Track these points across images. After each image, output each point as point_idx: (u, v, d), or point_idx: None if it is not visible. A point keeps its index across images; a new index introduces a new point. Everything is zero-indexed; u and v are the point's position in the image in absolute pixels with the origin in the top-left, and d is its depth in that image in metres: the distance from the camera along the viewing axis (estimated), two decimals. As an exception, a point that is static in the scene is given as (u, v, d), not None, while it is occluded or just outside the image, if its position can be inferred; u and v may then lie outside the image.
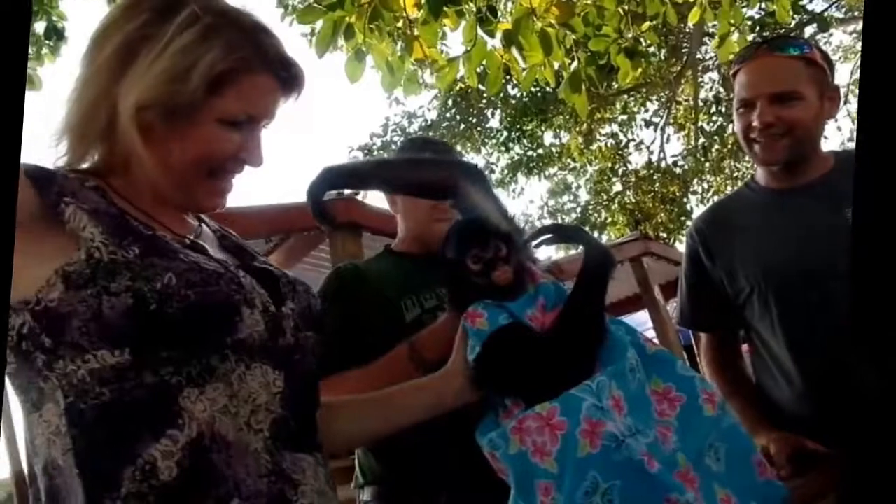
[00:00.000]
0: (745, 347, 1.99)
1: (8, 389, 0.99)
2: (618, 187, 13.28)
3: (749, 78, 1.80)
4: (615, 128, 13.09)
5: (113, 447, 0.92)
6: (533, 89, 10.57)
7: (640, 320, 8.78)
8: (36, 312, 0.94)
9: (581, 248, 1.34)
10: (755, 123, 1.76)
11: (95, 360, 0.93)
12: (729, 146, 12.30)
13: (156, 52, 1.02)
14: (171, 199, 1.11)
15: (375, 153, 11.71)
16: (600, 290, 1.29)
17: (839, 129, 12.00)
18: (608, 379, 1.16)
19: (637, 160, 13.27)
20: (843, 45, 12.31)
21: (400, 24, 3.29)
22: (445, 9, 3.14)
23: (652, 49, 8.94)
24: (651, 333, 8.20)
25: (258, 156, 1.12)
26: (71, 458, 0.92)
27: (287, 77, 1.12)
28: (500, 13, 3.84)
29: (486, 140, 12.89)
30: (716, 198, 12.69)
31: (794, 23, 9.00)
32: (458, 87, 10.46)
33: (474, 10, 3.28)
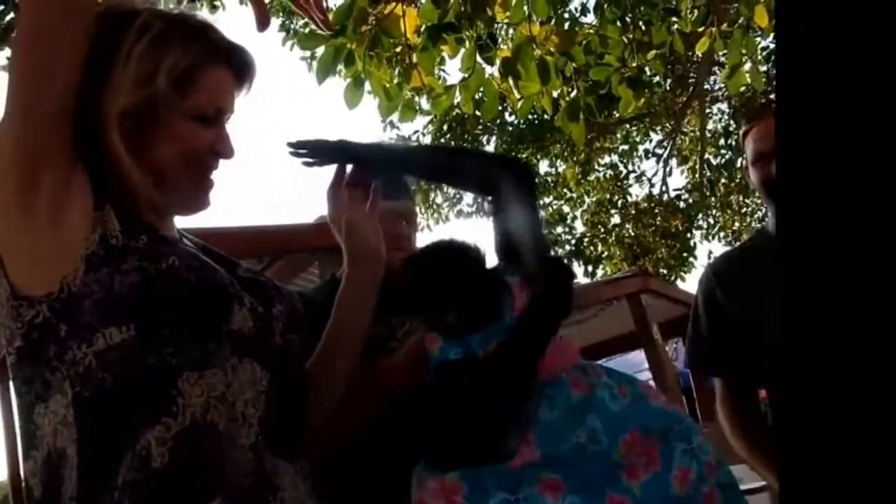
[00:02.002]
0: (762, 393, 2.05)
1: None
2: (616, 220, 13.39)
3: (770, 131, 1.85)
4: (615, 158, 13.27)
5: (114, 434, 1.02)
6: (530, 117, 10.79)
7: (636, 361, 8.80)
8: (57, 301, 1.05)
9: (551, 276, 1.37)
10: None
11: (104, 338, 1.04)
12: (737, 181, 12.45)
13: (120, 64, 1.13)
14: (163, 203, 1.21)
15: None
16: (541, 335, 1.31)
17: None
18: (534, 471, 1.21)
19: (637, 192, 13.43)
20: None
21: (398, 50, 3.46)
22: (445, 35, 3.31)
23: (657, 78, 9.10)
24: (647, 375, 8.25)
25: (230, 148, 1.25)
26: (75, 448, 1.02)
27: (239, 65, 1.26)
28: (500, 40, 4.02)
29: (480, 167, 12.99)
30: (722, 234, 12.86)
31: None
32: (454, 113, 10.66)
33: (474, 36, 3.44)
